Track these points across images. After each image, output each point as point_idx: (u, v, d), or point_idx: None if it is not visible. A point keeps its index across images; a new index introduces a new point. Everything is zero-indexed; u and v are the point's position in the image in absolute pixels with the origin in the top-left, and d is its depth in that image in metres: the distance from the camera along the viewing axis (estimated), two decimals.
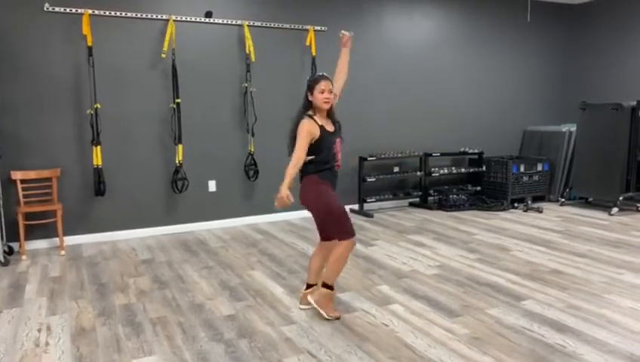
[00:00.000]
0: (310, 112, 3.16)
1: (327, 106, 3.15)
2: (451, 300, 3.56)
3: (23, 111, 4.94)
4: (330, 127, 3.20)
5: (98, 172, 5.11)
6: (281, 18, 5.98)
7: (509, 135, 7.80)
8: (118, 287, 3.93)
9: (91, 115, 5.08)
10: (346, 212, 3.24)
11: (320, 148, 3.14)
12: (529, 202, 6.79)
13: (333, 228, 3.21)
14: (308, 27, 6.10)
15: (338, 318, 3.25)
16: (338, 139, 3.25)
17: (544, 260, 4.45)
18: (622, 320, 3.19)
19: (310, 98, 3.15)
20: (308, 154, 3.12)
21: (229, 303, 3.57)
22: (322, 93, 3.11)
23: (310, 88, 3.14)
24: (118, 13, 5.19)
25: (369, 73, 6.59)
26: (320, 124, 3.14)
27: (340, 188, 3.39)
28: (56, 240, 5.04)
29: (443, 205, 6.73)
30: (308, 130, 3.08)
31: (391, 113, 6.80)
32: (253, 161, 5.90)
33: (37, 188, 4.98)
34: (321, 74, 3.21)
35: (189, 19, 5.51)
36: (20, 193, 4.86)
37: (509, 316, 3.27)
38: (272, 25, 5.93)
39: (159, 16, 5.36)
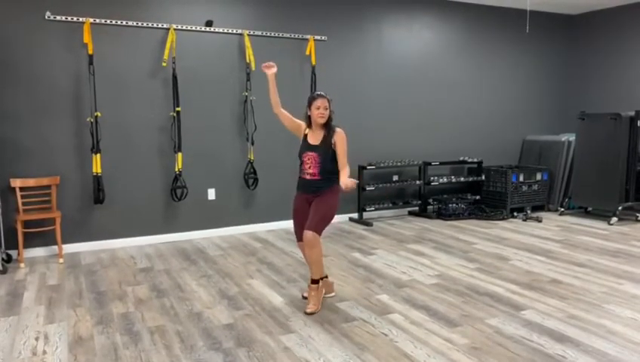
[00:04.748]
0: (307, 123, 3.63)
1: (321, 121, 3.51)
2: (451, 310, 3.55)
3: (24, 119, 4.95)
4: (313, 140, 3.55)
5: (97, 180, 5.11)
6: (282, 27, 6.02)
7: (509, 144, 7.81)
8: (116, 296, 3.92)
9: (91, 122, 5.09)
10: None
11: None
12: (528, 211, 6.79)
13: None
14: (308, 37, 6.13)
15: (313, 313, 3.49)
16: (312, 153, 3.53)
17: (544, 270, 4.45)
18: (621, 331, 3.18)
19: (309, 113, 3.56)
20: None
21: (228, 312, 3.56)
22: (318, 109, 3.49)
23: (309, 105, 3.55)
24: (119, 22, 5.22)
25: (368, 82, 6.62)
26: (305, 133, 3.61)
27: (339, 196, 3.58)
28: (55, 248, 5.02)
29: (442, 214, 6.73)
30: (299, 121, 3.66)
31: (390, 122, 6.81)
32: (252, 170, 5.90)
33: (36, 195, 4.98)
34: (318, 93, 3.59)
35: (189, 28, 5.54)
36: (19, 201, 4.85)
37: (509, 326, 3.26)
38: (273, 34, 5.96)
39: (160, 25, 5.39)
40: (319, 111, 3.48)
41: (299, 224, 3.65)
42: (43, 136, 5.03)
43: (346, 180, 3.40)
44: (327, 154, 3.50)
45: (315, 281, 3.60)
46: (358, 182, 3.56)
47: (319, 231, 3.52)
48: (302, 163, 3.61)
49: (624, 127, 6.32)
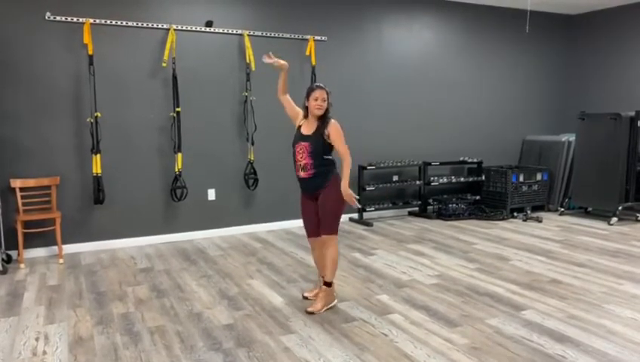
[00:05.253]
0: (304, 113, 3.63)
1: (318, 112, 3.50)
2: (451, 310, 3.55)
3: (24, 119, 4.95)
4: (306, 131, 3.54)
5: (97, 180, 5.11)
6: (282, 28, 6.02)
7: (509, 144, 7.81)
8: (116, 296, 3.92)
9: (91, 123, 5.09)
10: None
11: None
12: (528, 212, 6.79)
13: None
14: (308, 37, 6.13)
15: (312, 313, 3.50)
16: (304, 143, 3.51)
17: (544, 270, 4.45)
18: (621, 331, 3.18)
19: (306, 104, 3.54)
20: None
21: (228, 312, 3.56)
22: (316, 100, 3.48)
23: (307, 96, 3.54)
24: (119, 23, 5.22)
25: (368, 82, 6.62)
26: (300, 123, 3.60)
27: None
28: (55, 248, 5.02)
29: (442, 214, 6.73)
30: (299, 110, 3.65)
31: (390, 122, 6.81)
32: (252, 170, 5.90)
33: (36, 196, 4.98)
34: (317, 84, 3.58)
35: (189, 28, 5.54)
36: (19, 201, 4.85)
37: (509, 326, 3.26)
38: (273, 34, 5.96)
39: (160, 26, 5.39)
40: (317, 103, 3.46)
41: (307, 219, 3.67)
42: (43, 137, 5.03)
43: (347, 189, 3.45)
44: (318, 143, 3.49)
45: (326, 283, 3.60)
46: (358, 198, 3.58)
47: (334, 230, 3.56)
48: (294, 155, 3.58)
49: (624, 127, 6.32)
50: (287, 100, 3.72)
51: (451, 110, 7.25)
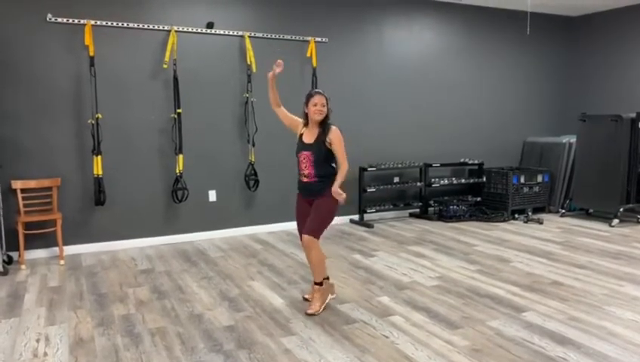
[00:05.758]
0: (304, 121, 3.62)
1: (318, 118, 3.50)
2: (452, 312, 3.55)
3: (25, 121, 4.95)
4: (308, 139, 3.54)
5: (98, 181, 5.11)
6: (283, 29, 6.02)
7: (509, 146, 7.81)
8: (117, 297, 3.92)
9: (92, 124, 5.10)
10: None
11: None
12: (529, 213, 6.78)
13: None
14: (309, 38, 6.14)
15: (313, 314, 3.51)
16: (306, 153, 3.53)
17: (544, 271, 4.44)
18: (622, 332, 3.18)
19: (306, 110, 3.54)
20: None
21: (229, 314, 3.56)
22: (315, 106, 3.48)
23: (306, 102, 3.54)
24: (120, 24, 5.22)
25: (369, 84, 6.62)
26: (301, 132, 3.60)
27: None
28: (56, 249, 5.03)
29: (443, 216, 6.73)
30: (298, 119, 3.66)
31: (391, 123, 6.81)
32: (253, 171, 5.90)
33: (37, 197, 4.98)
34: (316, 90, 3.60)
35: (190, 29, 5.54)
36: (20, 202, 4.86)
37: (510, 328, 3.26)
38: (273, 36, 5.96)
39: (161, 27, 5.40)
40: (316, 108, 3.46)
41: (301, 223, 3.67)
42: (44, 138, 5.03)
43: (337, 188, 3.45)
44: (320, 152, 3.49)
45: (317, 283, 3.60)
46: (344, 196, 3.52)
47: (317, 235, 3.53)
48: (298, 163, 3.60)
49: (625, 129, 6.32)
50: (281, 112, 3.71)
51: (452, 111, 7.25)
